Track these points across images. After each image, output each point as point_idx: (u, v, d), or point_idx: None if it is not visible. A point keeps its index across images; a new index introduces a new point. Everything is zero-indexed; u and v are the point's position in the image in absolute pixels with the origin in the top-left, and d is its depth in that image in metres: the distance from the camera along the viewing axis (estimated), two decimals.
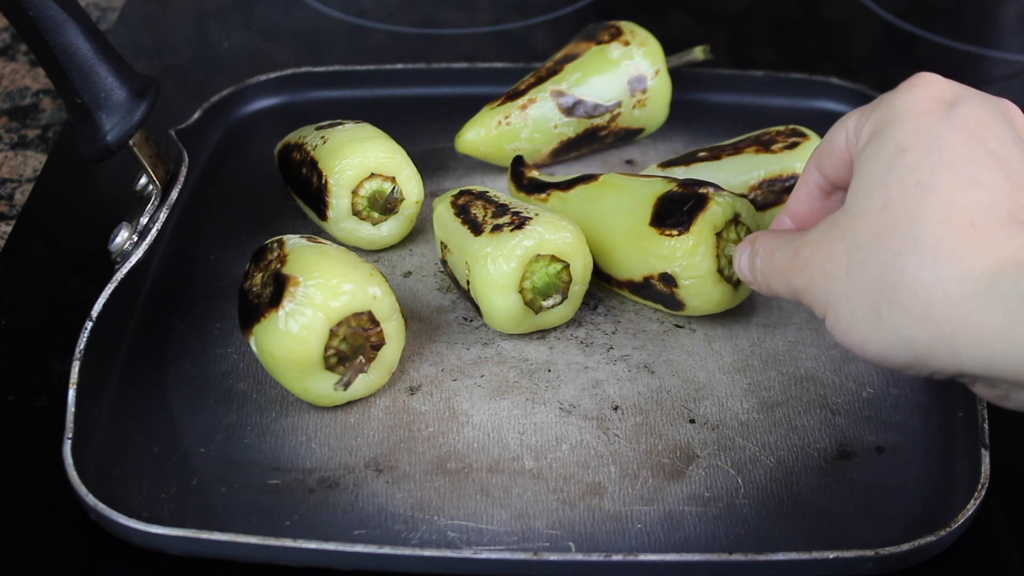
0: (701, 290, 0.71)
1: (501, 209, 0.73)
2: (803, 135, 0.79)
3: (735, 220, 0.71)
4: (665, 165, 0.81)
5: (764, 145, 0.79)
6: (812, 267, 0.58)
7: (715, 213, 0.70)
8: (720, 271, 0.71)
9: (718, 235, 0.70)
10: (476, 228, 0.72)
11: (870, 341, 0.55)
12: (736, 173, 0.78)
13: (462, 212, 0.74)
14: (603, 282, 0.76)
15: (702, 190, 0.71)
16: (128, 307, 0.75)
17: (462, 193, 0.76)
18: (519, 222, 0.71)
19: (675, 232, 0.70)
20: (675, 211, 0.71)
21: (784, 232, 0.62)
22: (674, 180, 0.73)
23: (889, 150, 0.55)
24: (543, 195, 0.78)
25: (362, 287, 0.67)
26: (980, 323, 0.51)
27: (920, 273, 0.53)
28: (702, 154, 0.80)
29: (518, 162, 0.81)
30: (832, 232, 0.57)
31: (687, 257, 0.70)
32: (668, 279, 0.71)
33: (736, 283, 0.72)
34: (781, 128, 0.80)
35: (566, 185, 0.77)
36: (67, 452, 0.64)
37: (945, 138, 0.54)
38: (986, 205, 0.53)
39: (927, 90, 0.56)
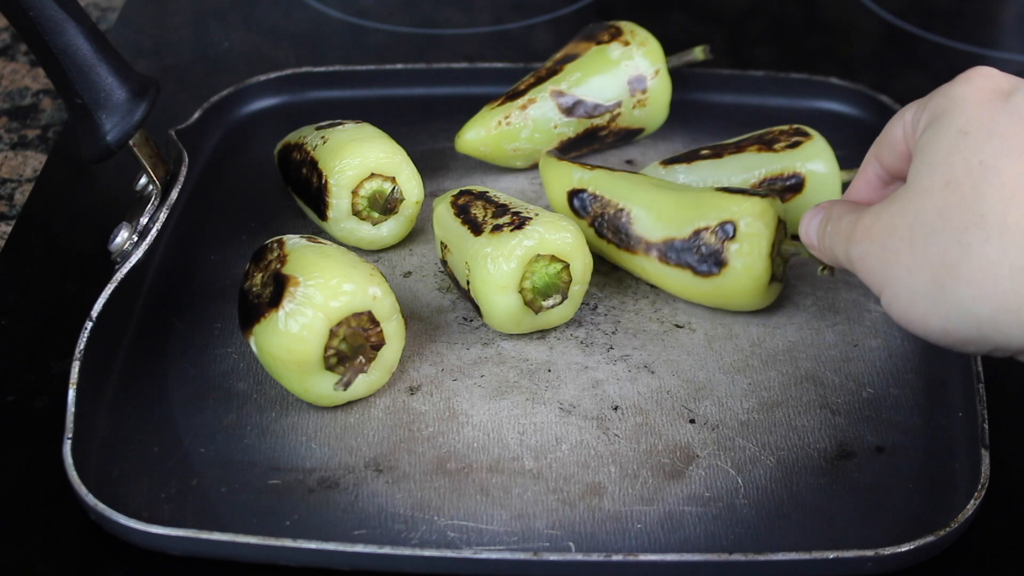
0: (751, 257, 0.71)
1: (501, 209, 0.73)
2: (806, 134, 0.79)
3: (783, 224, 0.72)
4: (667, 163, 0.81)
5: (767, 144, 0.79)
6: (872, 239, 0.58)
7: (777, 204, 0.72)
8: (772, 249, 0.71)
9: (778, 223, 0.71)
10: (476, 228, 0.72)
11: (932, 316, 0.56)
12: (738, 171, 0.78)
13: (462, 212, 0.74)
14: (625, 250, 0.75)
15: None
16: (128, 307, 0.75)
17: (462, 193, 0.76)
18: (519, 222, 0.71)
19: (750, 195, 0.72)
20: (740, 192, 0.72)
21: (853, 203, 0.63)
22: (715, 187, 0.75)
23: (951, 133, 0.56)
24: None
25: (362, 287, 0.67)
26: None
27: (987, 248, 0.53)
28: (704, 152, 0.80)
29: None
30: (892, 207, 0.57)
31: (758, 214, 0.71)
32: (727, 229, 0.71)
33: (774, 278, 0.72)
34: (785, 127, 0.80)
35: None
36: (67, 452, 0.64)
37: (1006, 125, 0.55)
38: None
39: (984, 81, 0.57)
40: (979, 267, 0.54)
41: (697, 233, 0.72)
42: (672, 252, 0.73)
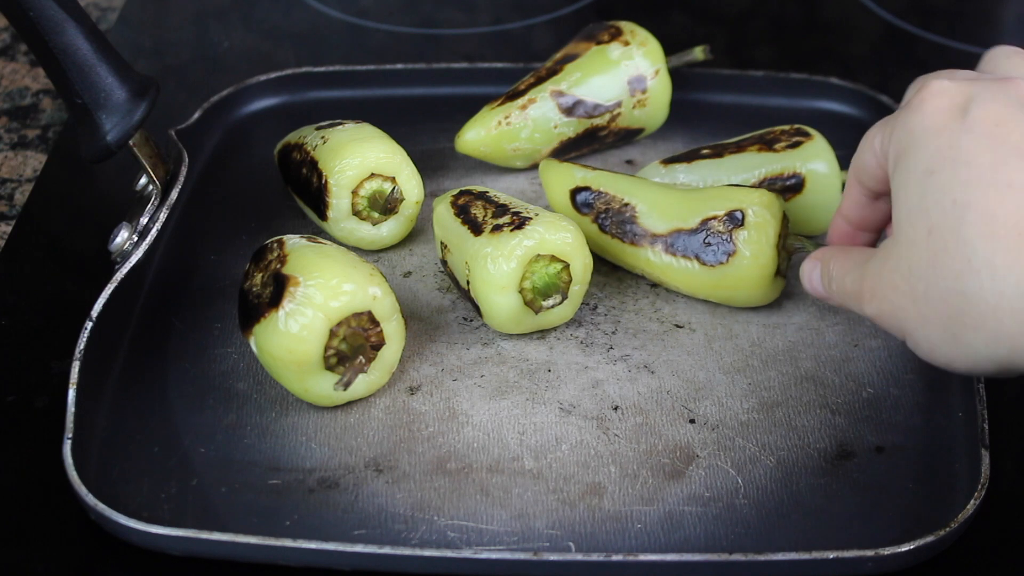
0: (759, 245, 0.71)
1: (501, 209, 0.73)
2: (807, 134, 0.79)
3: (787, 220, 0.73)
4: (667, 162, 0.81)
5: (767, 144, 0.79)
6: (879, 299, 0.58)
7: (781, 201, 0.72)
8: (779, 242, 0.72)
9: (784, 218, 0.72)
10: (476, 228, 0.72)
11: (956, 361, 0.56)
12: (738, 171, 0.78)
13: (462, 212, 0.74)
14: (629, 244, 0.75)
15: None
16: (128, 307, 0.75)
17: (462, 193, 0.76)
18: (519, 222, 0.71)
19: (756, 188, 0.72)
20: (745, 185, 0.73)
21: (849, 252, 0.63)
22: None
23: (918, 175, 0.55)
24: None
25: (362, 287, 0.67)
26: None
27: (983, 294, 0.53)
28: (705, 151, 0.80)
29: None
30: (888, 263, 0.57)
31: (766, 205, 0.71)
32: (736, 216, 0.71)
33: (778, 272, 0.72)
34: (786, 127, 0.80)
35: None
36: (67, 452, 0.64)
37: (967, 149, 0.54)
38: None
39: (937, 102, 0.56)
40: (981, 313, 0.54)
41: (705, 223, 0.72)
42: (679, 243, 0.73)
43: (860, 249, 0.62)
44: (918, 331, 0.57)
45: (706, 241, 0.72)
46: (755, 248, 0.71)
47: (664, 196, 0.74)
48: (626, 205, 0.75)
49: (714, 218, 0.72)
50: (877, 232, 0.66)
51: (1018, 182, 0.53)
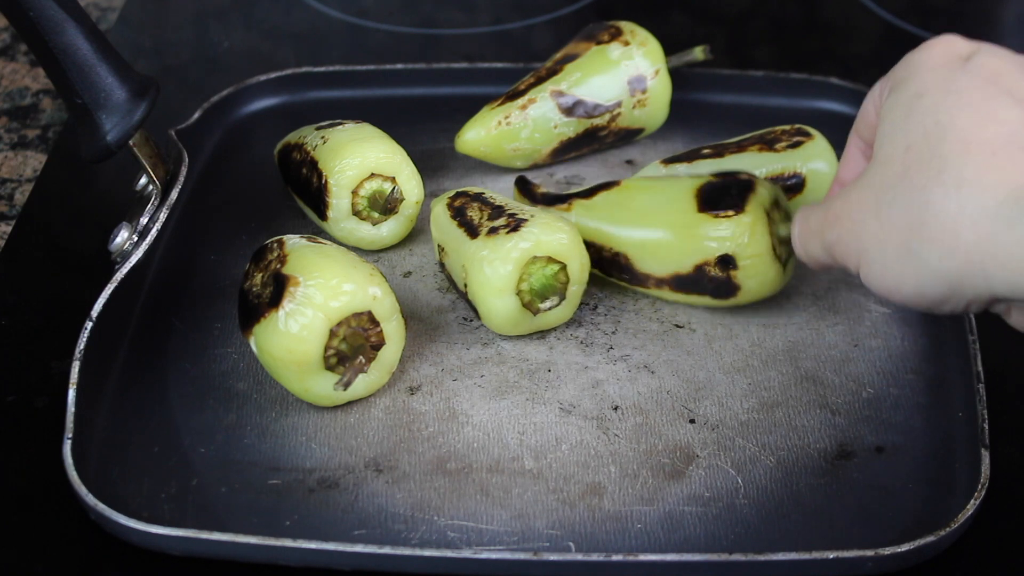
0: (758, 270, 0.71)
1: (497, 211, 0.73)
2: (807, 134, 0.79)
3: (777, 203, 0.72)
4: (668, 161, 0.81)
5: (768, 144, 0.79)
6: (842, 219, 0.59)
7: (763, 194, 0.71)
8: (773, 249, 0.71)
9: (767, 215, 0.71)
10: (472, 231, 0.72)
11: (905, 280, 0.56)
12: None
13: (458, 215, 0.74)
14: (637, 286, 0.75)
15: (743, 176, 0.72)
16: (128, 307, 0.75)
17: (458, 195, 0.76)
18: (515, 224, 0.71)
19: (731, 213, 0.70)
20: (723, 196, 0.71)
21: (822, 202, 0.63)
22: (701, 175, 0.73)
23: (907, 97, 0.57)
24: (564, 205, 0.77)
25: (362, 287, 0.67)
26: (1008, 245, 0.52)
27: (946, 204, 0.54)
28: (706, 151, 0.80)
29: (523, 181, 0.80)
30: (860, 182, 0.58)
31: (747, 235, 0.70)
32: (726, 261, 0.71)
33: (784, 263, 0.72)
34: (786, 127, 0.80)
35: (587, 193, 0.76)
36: (67, 452, 0.64)
37: (960, 82, 0.55)
38: (1005, 136, 0.54)
39: (944, 47, 0.58)
40: (941, 224, 0.54)
41: (699, 268, 0.72)
42: (684, 284, 0.73)
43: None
44: (874, 248, 0.57)
45: (709, 283, 0.72)
46: (758, 278, 0.71)
47: (647, 240, 0.73)
48: (616, 254, 0.74)
49: (706, 263, 0.71)
50: None
51: (1003, 116, 0.54)
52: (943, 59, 0.57)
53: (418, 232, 0.81)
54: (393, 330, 0.68)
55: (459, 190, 0.76)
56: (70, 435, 0.65)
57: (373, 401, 0.70)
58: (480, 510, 0.65)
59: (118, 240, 0.74)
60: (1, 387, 0.72)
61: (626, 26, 0.85)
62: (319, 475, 0.66)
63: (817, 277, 0.77)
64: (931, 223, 0.54)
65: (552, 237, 0.71)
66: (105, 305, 0.71)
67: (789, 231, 0.70)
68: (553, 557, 0.61)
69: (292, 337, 0.66)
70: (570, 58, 0.84)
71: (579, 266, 0.72)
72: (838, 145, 0.78)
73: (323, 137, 0.79)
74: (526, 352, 0.73)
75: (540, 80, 0.84)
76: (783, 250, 0.72)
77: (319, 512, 0.65)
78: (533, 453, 0.68)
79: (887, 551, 0.61)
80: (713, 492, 0.66)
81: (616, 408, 0.70)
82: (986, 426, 0.66)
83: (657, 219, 0.73)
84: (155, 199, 0.76)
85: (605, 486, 0.66)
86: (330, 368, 0.67)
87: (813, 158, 0.78)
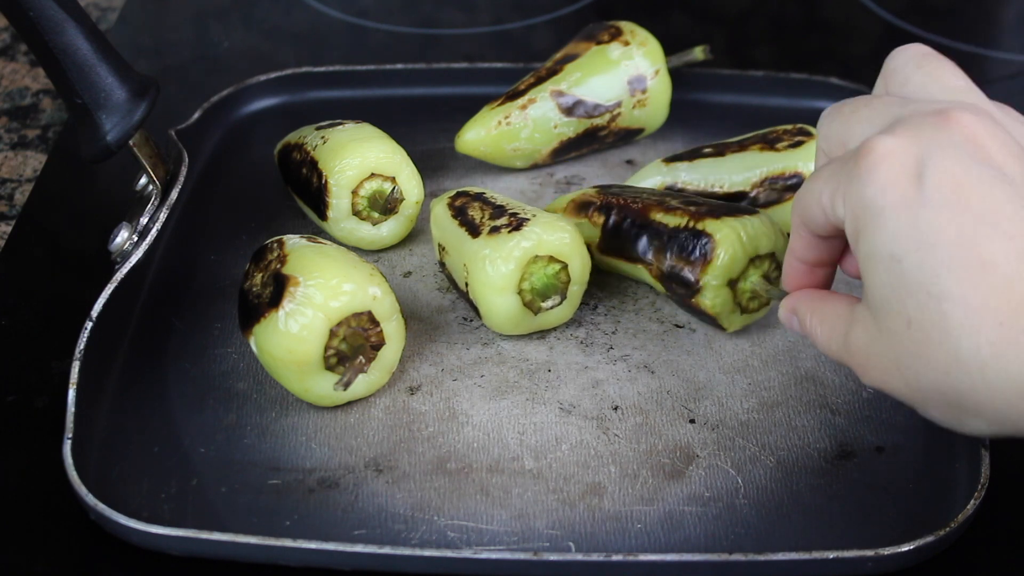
0: (720, 312, 0.72)
1: (498, 210, 0.73)
2: (809, 134, 0.79)
3: (753, 260, 0.71)
4: (669, 160, 0.81)
5: (769, 143, 0.79)
6: (871, 376, 0.57)
7: (719, 270, 0.70)
8: (739, 307, 0.72)
9: (733, 286, 0.71)
10: (474, 230, 0.72)
11: (961, 429, 0.56)
12: (739, 170, 0.78)
13: (459, 214, 0.74)
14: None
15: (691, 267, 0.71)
16: (128, 307, 0.75)
17: (459, 195, 0.76)
18: (517, 223, 0.71)
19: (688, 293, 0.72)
20: (678, 282, 0.72)
21: (824, 304, 0.60)
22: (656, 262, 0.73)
23: (884, 261, 0.53)
24: None
25: (362, 287, 0.67)
26: None
27: (976, 388, 0.52)
28: (707, 150, 0.80)
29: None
30: (874, 346, 0.56)
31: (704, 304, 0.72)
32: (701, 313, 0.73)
33: (755, 308, 0.72)
34: (788, 127, 0.80)
35: None
36: (67, 452, 0.64)
37: (931, 227, 0.52)
38: (1001, 288, 0.51)
39: (888, 168, 0.53)
40: (978, 403, 0.53)
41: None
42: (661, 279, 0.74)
43: (832, 304, 0.60)
44: (919, 406, 0.56)
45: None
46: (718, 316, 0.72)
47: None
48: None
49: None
50: (834, 265, 0.63)
51: (991, 258, 0.51)
52: (896, 191, 0.53)
53: (418, 232, 0.81)
54: (393, 330, 0.68)
55: (460, 190, 0.76)
56: (70, 435, 0.65)
57: (373, 401, 0.70)
58: (480, 510, 0.65)
59: (118, 240, 0.74)
60: (1, 387, 0.72)
61: (626, 26, 0.85)
62: (319, 475, 0.66)
63: None
64: (967, 403, 0.53)
65: (554, 237, 0.71)
66: (105, 305, 0.71)
67: (765, 294, 0.70)
68: (553, 557, 0.61)
69: (292, 337, 0.66)
70: (570, 58, 0.84)
71: (580, 266, 0.72)
72: None
73: (323, 137, 0.79)
74: (526, 352, 0.73)
75: (540, 80, 0.84)
76: (757, 302, 0.72)
77: (319, 512, 0.65)
78: (533, 453, 0.68)
79: (887, 551, 0.61)
80: (713, 492, 0.66)
81: (616, 408, 0.70)
82: None
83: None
84: (155, 199, 0.76)
85: (605, 486, 0.66)
86: (330, 368, 0.67)
87: (813, 158, 0.78)
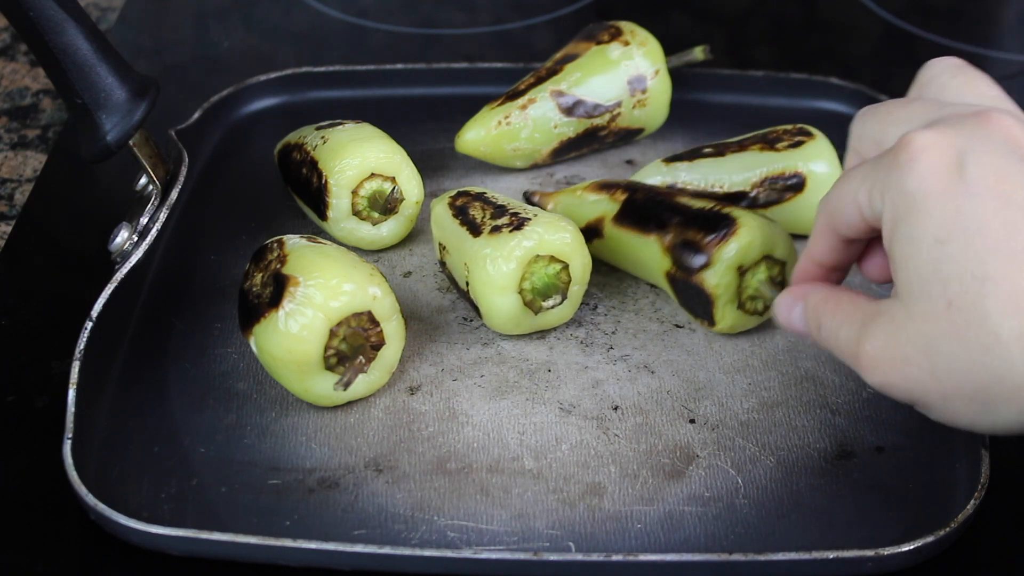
0: (730, 323, 0.73)
1: (499, 210, 0.73)
2: (809, 134, 0.79)
3: (763, 258, 0.71)
4: (669, 160, 0.81)
5: (769, 143, 0.79)
6: (886, 370, 0.56)
7: (732, 268, 0.70)
8: (744, 307, 0.72)
9: (741, 274, 0.71)
10: (475, 229, 0.72)
11: (977, 425, 0.55)
12: (739, 169, 0.78)
13: (460, 213, 0.74)
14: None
15: (711, 245, 0.71)
16: (128, 307, 0.75)
17: (460, 194, 0.76)
18: (518, 223, 0.71)
19: (705, 323, 0.73)
20: (694, 302, 0.72)
21: (840, 299, 0.60)
22: (667, 249, 0.73)
23: (927, 244, 0.53)
24: None
25: (362, 287, 0.67)
26: None
27: (1014, 370, 0.52)
28: (707, 150, 0.80)
29: (528, 198, 0.81)
30: (899, 335, 0.55)
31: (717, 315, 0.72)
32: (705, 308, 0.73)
33: (750, 309, 0.72)
34: (789, 127, 0.80)
35: (586, 236, 0.76)
36: (67, 452, 0.64)
37: (976, 215, 0.52)
38: None
39: (929, 160, 0.54)
40: (1015, 387, 0.52)
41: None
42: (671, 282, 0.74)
43: (850, 297, 0.60)
44: (937, 403, 0.55)
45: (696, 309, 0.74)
46: (729, 323, 0.73)
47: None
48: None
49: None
50: (845, 272, 0.63)
51: None
52: (939, 180, 0.53)
53: (418, 232, 0.81)
54: (393, 330, 0.68)
55: (460, 190, 0.76)
56: (70, 435, 0.65)
57: (373, 401, 0.70)
58: (480, 510, 0.65)
59: (118, 240, 0.74)
60: (1, 387, 0.72)
61: (626, 26, 0.85)
62: (319, 475, 0.66)
63: None
64: (1001, 387, 0.53)
65: (555, 236, 0.71)
66: (105, 305, 0.71)
67: (768, 295, 0.71)
68: (553, 557, 0.61)
69: (292, 337, 0.66)
70: (570, 58, 0.84)
71: (581, 266, 0.72)
72: (837, 146, 0.78)
73: (323, 137, 0.79)
74: (526, 352, 0.73)
75: (540, 80, 0.84)
76: (758, 304, 0.72)
77: (319, 512, 0.65)
78: (533, 453, 0.68)
79: (887, 551, 0.61)
80: (713, 492, 0.66)
81: (616, 408, 0.70)
82: None
83: (643, 275, 0.76)
84: (155, 199, 0.76)
85: (605, 486, 0.66)
86: (330, 368, 0.67)
87: (814, 158, 0.78)
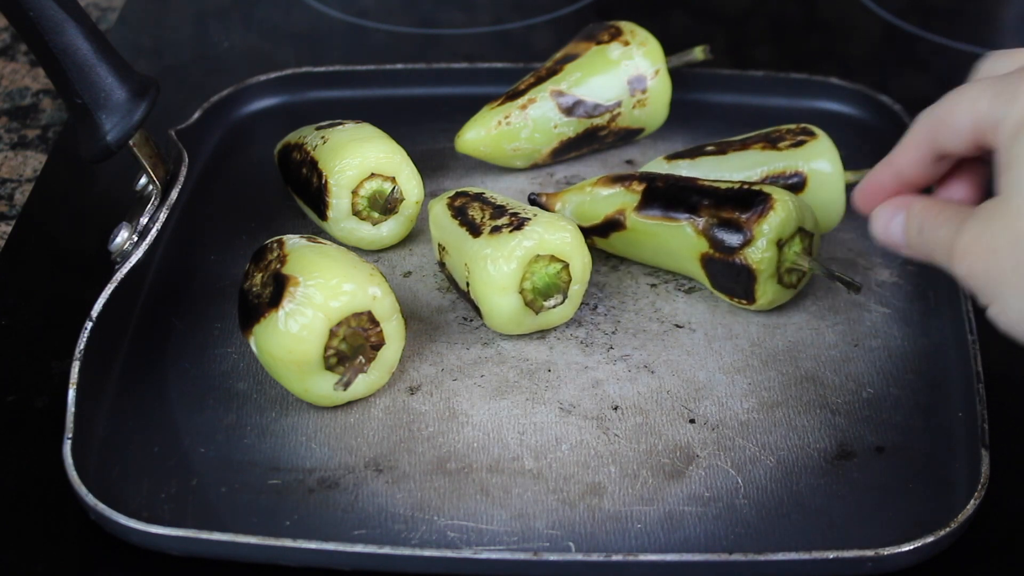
0: (770, 295, 0.73)
1: (499, 210, 0.73)
2: (811, 134, 0.79)
3: (796, 232, 0.72)
4: (671, 158, 0.81)
5: (771, 142, 0.79)
6: (973, 259, 0.57)
7: (773, 245, 0.71)
8: (781, 280, 0.73)
9: (779, 248, 0.71)
10: (474, 230, 0.72)
11: None
12: (740, 168, 0.78)
13: (459, 214, 0.74)
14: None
15: (749, 225, 0.71)
16: (128, 307, 0.75)
17: (458, 195, 0.76)
18: (518, 223, 0.71)
19: (744, 302, 0.74)
20: (732, 281, 0.73)
21: (939, 204, 0.60)
22: (701, 226, 0.73)
23: None
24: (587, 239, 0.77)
25: (362, 287, 0.67)
26: None
27: None
28: (709, 148, 0.80)
29: (533, 200, 0.81)
30: (993, 226, 0.56)
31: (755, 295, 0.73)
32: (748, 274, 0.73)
33: (788, 283, 0.73)
34: (791, 126, 0.80)
35: (601, 231, 0.77)
36: (67, 452, 0.64)
37: None
38: None
39: None
40: None
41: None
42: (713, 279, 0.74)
43: (949, 203, 0.60)
44: (1010, 299, 0.55)
45: (731, 288, 0.74)
46: (769, 298, 0.73)
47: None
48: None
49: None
50: (920, 191, 0.63)
51: None
52: None
53: (418, 232, 0.81)
54: (393, 330, 0.68)
55: (459, 190, 0.76)
56: (70, 435, 0.65)
57: (373, 401, 0.70)
58: (480, 510, 0.65)
59: (118, 240, 0.74)
60: (1, 387, 0.72)
61: (626, 26, 0.85)
62: (319, 475, 0.66)
63: (817, 278, 0.77)
64: None
65: (555, 236, 0.71)
66: (105, 305, 0.71)
67: (807, 265, 0.72)
68: (553, 557, 0.61)
69: (292, 337, 0.66)
70: (570, 58, 0.84)
71: (581, 265, 0.72)
72: (839, 145, 0.79)
73: (323, 137, 0.79)
74: (526, 352, 0.73)
75: (540, 80, 0.84)
76: (793, 277, 0.73)
77: (319, 512, 0.65)
78: (533, 453, 0.68)
79: (887, 551, 0.61)
80: (713, 492, 0.66)
81: (616, 408, 0.70)
82: (986, 426, 0.66)
83: (669, 263, 0.77)
84: (155, 199, 0.76)
85: (605, 486, 0.66)
86: (330, 368, 0.67)
87: (815, 157, 0.78)
